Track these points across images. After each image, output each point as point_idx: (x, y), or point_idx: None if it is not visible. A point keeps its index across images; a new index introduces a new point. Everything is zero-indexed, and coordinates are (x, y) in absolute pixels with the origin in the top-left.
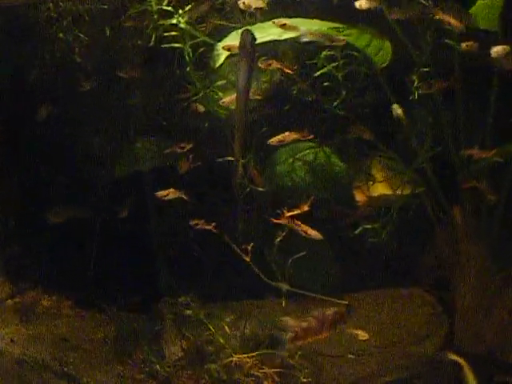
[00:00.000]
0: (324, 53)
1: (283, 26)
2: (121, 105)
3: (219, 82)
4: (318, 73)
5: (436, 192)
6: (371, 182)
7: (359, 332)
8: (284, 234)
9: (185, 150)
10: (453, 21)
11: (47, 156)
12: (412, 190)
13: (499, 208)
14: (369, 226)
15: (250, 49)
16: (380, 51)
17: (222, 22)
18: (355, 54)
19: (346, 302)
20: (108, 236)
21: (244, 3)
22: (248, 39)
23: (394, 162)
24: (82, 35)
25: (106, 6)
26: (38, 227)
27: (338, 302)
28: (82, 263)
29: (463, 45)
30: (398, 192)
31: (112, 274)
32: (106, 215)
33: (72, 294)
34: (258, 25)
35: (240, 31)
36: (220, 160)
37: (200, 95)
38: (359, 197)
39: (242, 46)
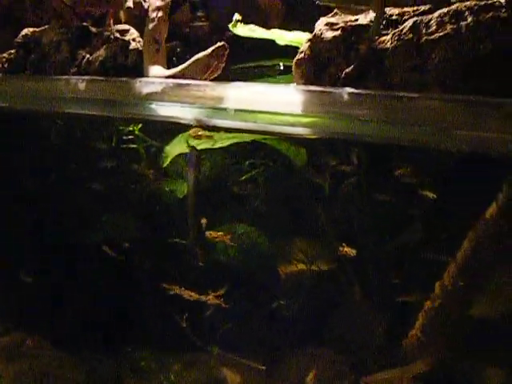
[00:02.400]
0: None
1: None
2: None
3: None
4: (243, 177)
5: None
6: (291, 259)
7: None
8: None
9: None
10: None
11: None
12: (327, 266)
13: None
14: (282, 302)
15: (196, 162)
16: (298, 155)
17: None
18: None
19: (264, 367)
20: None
21: None
22: (194, 155)
23: (313, 242)
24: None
25: None
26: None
27: (256, 366)
28: (58, 307)
29: None
30: (314, 268)
31: (82, 316)
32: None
33: (50, 335)
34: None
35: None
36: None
37: (153, 187)
38: (281, 272)
39: (189, 160)
